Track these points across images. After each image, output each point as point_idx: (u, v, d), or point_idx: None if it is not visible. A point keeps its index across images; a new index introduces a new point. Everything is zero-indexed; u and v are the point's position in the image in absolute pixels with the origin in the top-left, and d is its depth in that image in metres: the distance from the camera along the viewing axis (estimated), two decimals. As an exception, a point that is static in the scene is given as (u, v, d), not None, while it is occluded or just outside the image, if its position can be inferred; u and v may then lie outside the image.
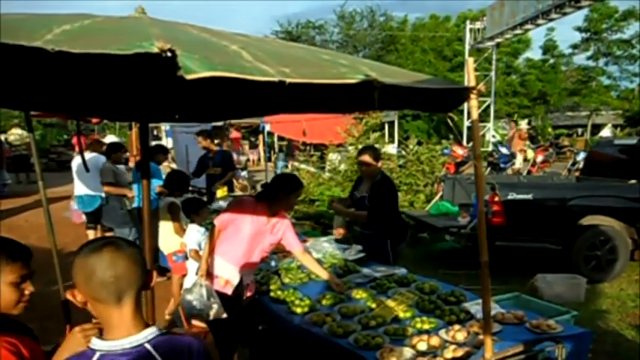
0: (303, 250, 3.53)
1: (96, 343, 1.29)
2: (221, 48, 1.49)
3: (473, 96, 2.09)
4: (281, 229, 3.41)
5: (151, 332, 1.30)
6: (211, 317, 2.95)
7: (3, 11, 1.55)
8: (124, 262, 1.28)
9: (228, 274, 3.34)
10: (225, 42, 1.55)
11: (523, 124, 16.74)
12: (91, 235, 7.34)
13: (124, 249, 1.30)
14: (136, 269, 1.30)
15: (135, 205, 6.01)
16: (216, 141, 7.96)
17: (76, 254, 1.31)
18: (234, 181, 8.54)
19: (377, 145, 9.76)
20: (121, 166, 6.78)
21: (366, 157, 4.27)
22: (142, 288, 1.34)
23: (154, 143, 9.04)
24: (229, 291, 3.32)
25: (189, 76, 1.16)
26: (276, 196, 3.33)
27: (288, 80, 1.32)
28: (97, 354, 1.26)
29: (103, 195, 6.78)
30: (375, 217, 4.25)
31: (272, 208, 3.35)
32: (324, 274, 3.52)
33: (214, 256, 3.38)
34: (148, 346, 1.27)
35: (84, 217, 8.32)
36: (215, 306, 3.00)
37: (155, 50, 1.18)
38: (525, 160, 15.22)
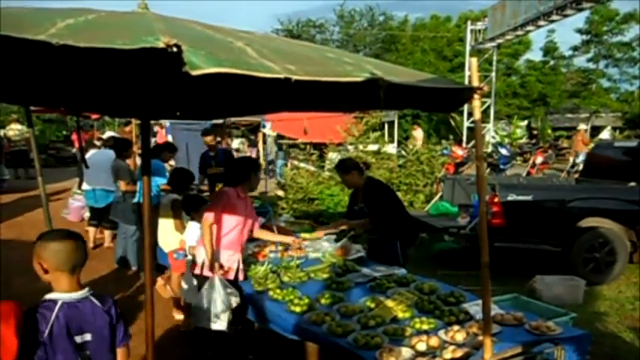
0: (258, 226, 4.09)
1: (52, 296, 1.84)
2: (226, 44, 1.48)
3: (476, 96, 2.08)
4: (251, 206, 3.94)
5: (88, 290, 1.94)
6: (234, 306, 3.37)
7: (4, 5, 1.53)
8: (79, 246, 1.89)
9: (236, 263, 3.66)
10: (230, 38, 1.54)
11: (582, 126, 16.58)
12: (91, 231, 7.26)
13: (78, 238, 1.91)
14: (84, 252, 1.92)
15: (135, 200, 5.98)
16: (217, 138, 7.95)
17: (40, 238, 1.86)
18: None
19: (377, 145, 9.80)
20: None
21: (339, 174, 4.67)
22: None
23: (160, 141, 8.93)
24: (241, 276, 3.70)
25: (195, 72, 1.15)
26: (247, 177, 3.73)
27: (294, 77, 1.31)
28: (60, 302, 1.83)
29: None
30: (377, 221, 4.36)
31: (244, 188, 3.76)
32: (286, 239, 4.14)
33: (220, 250, 3.60)
34: (91, 297, 1.94)
35: (85, 215, 8.25)
36: (233, 297, 3.36)
37: (161, 45, 1.17)
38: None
